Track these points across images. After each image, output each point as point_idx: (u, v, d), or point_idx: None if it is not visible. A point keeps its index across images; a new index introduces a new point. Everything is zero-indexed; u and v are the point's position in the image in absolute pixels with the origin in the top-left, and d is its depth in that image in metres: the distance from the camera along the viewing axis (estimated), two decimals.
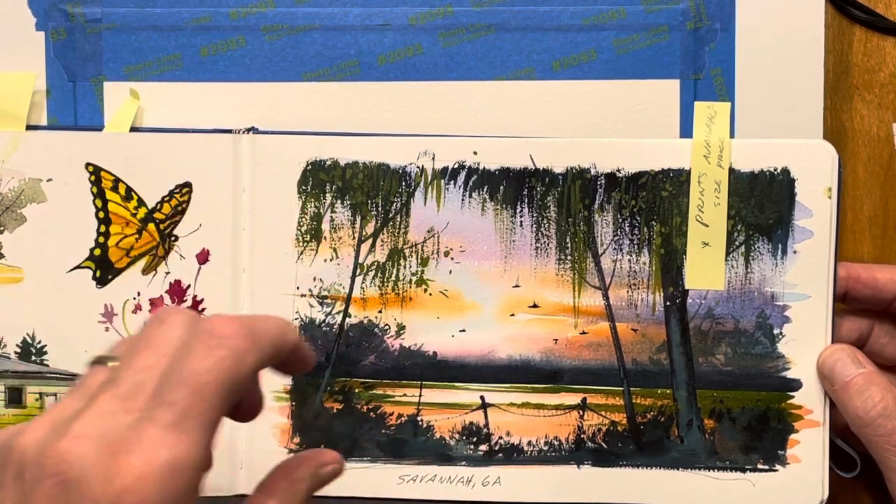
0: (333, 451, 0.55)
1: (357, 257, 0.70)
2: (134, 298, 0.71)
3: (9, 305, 0.70)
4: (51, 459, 0.45)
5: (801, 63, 0.72)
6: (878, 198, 0.75)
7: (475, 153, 0.69)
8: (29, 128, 0.71)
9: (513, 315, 0.70)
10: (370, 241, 0.70)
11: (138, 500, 0.44)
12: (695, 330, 0.69)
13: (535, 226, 0.69)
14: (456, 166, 0.69)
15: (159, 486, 0.45)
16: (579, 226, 0.69)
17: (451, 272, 0.70)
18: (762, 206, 0.68)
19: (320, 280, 0.70)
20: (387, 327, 0.70)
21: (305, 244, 0.70)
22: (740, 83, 0.72)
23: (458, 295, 0.70)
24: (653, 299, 0.69)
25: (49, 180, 0.70)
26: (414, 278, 0.70)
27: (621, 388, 0.70)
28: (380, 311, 0.70)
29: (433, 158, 0.69)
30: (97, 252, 0.70)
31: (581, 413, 0.70)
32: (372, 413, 0.70)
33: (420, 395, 0.70)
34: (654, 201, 0.69)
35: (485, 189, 0.69)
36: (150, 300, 0.70)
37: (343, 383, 0.70)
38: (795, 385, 0.69)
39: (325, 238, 0.70)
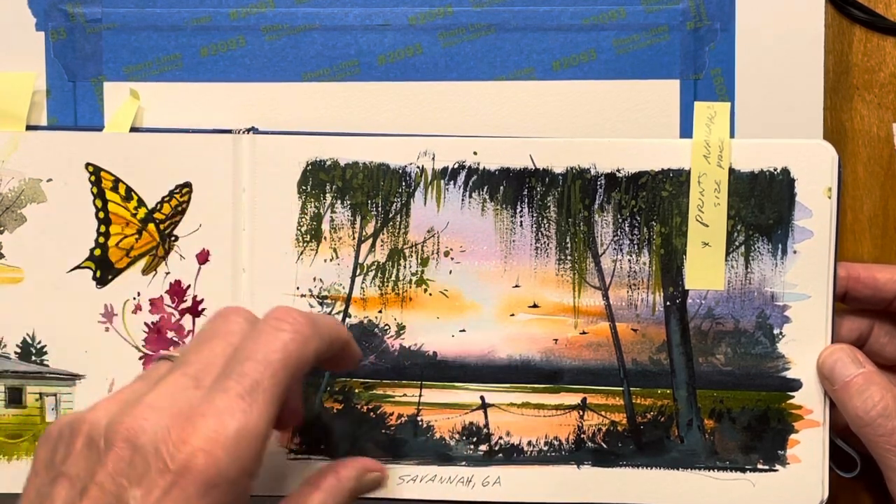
0: (379, 462, 0.59)
1: (357, 257, 0.70)
2: (134, 298, 0.71)
3: (9, 305, 0.70)
4: (123, 426, 0.47)
5: (801, 63, 0.72)
6: (878, 198, 0.75)
7: (475, 153, 0.69)
8: (29, 128, 0.71)
9: (513, 315, 0.70)
10: (370, 241, 0.70)
11: (209, 462, 0.46)
12: (695, 330, 0.69)
13: (535, 226, 0.69)
14: (456, 166, 0.69)
15: (230, 450, 0.47)
16: (579, 226, 0.69)
17: (451, 272, 0.70)
18: (762, 206, 0.68)
19: (320, 280, 0.70)
20: (387, 327, 0.70)
21: (305, 244, 0.70)
22: (740, 83, 0.72)
23: (458, 295, 0.70)
24: (653, 299, 0.69)
25: (49, 180, 0.70)
26: (414, 278, 0.70)
27: (621, 388, 0.70)
28: (380, 311, 0.70)
29: (433, 158, 0.69)
30: (97, 252, 0.70)
31: (581, 413, 0.70)
32: (372, 413, 0.70)
33: (420, 396, 0.70)
34: (654, 201, 0.69)
35: (485, 189, 0.69)
36: (150, 300, 0.71)
37: (343, 383, 0.70)
38: (795, 385, 0.69)
39: (325, 238, 0.70)
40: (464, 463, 0.70)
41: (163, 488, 0.46)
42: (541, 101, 0.73)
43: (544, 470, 0.70)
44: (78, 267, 0.70)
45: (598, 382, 0.70)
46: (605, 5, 0.72)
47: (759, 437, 0.69)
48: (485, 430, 0.70)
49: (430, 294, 0.70)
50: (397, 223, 0.70)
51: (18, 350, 0.70)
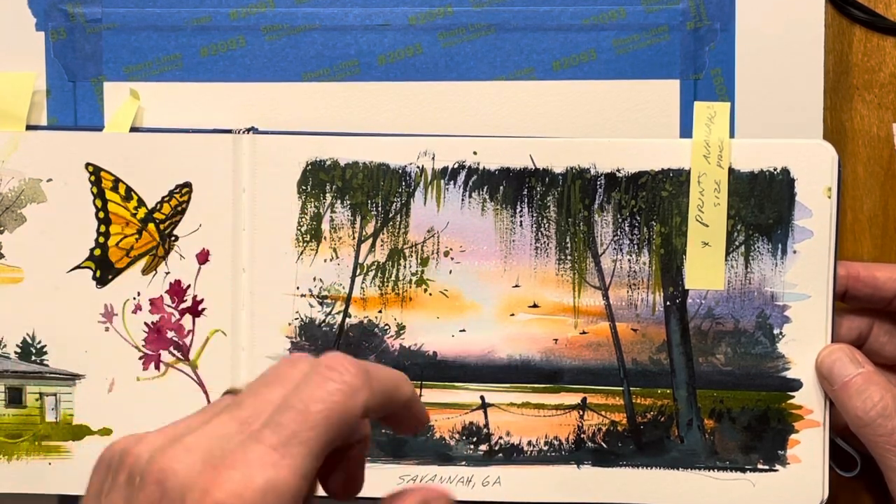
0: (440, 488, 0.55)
1: (357, 257, 0.70)
2: (134, 298, 0.71)
3: (9, 305, 0.70)
4: (157, 465, 0.46)
5: (801, 63, 0.72)
6: (878, 198, 0.75)
7: (475, 153, 0.69)
8: (29, 128, 0.71)
9: (513, 315, 0.70)
10: (370, 241, 0.70)
11: None
12: (695, 330, 0.69)
13: (535, 226, 0.69)
14: (456, 166, 0.69)
15: None
16: (579, 226, 0.69)
17: (451, 272, 0.70)
18: (762, 206, 0.68)
19: (320, 280, 0.70)
20: (387, 327, 0.70)
21: (305, 244, 0.70)
22: (740, 83, 0.72)
23: (458, 295, 0.70)
24: (653, 299, 0.69)
25: (49, 180, 0.70)
26: (414, 278, 0.70)
27: (621, 388, 0.70)
28: (380, 311, 0.70)
29: (433, 158, 0.69)
30: (97, 252, 0.70)
31: (581, 413, 0.70)
32: None
33: (420, 395, 0.70)
34: (653, 201, 0.69)
35: (485, 189, 0.69)
36: (150, 300, 0.71)
37: None
38: (795, 385, 0.69)
39: (325, 238, 0.70)
40: (464, 463, 0.70)
41: None
42: (541, 101, 0.73)
43: (544, 470, 0.70)
44: (78, 267, 0.70)
45: (598, 382, 0.70)
46: (605, 5, 0.72)
47: (760, 437, 0.69)
48: (485, 430, 0.70)
49: (430, 294, 0.70)
50: (397, 223, 0.70)
51: (18, 350, 0.71)
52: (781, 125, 0.72)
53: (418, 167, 0.69)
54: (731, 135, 0.71)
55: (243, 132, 0.70)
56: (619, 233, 0.69)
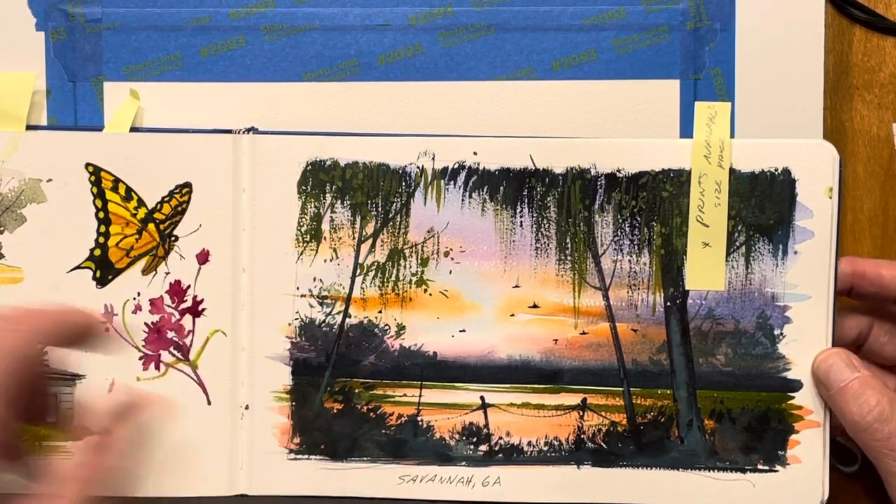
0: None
1: (357, 257, 0.70)
2: (134, 299, 0.71)
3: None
4: None
5: (801, 63, 0.72)
6: (878, 198, 0.75)
7: (475, 153, 0.69)
8: (29, 128, 0.71)
9: (513, 315, 0.70)
10: (370, 241, 0.70)
11: None
12: (695, 330, 0.69)
13: (535, 226, 0.69)
14: (456, 166, 0.69)
15: None
16: (579, 226, 0.69)
17: (451, 272, 0.70)
18: (763, 207, 0.68)
19: (320, 280, 0.70)
20: (387, 327, 0.70)
21: (305, 244, 0.70)
22: (740, 83, 0.72)
23: (458, 295, 0.70)
24: (653, 300, 0.69)
25: (49, 180, 0.70)
26: (414, 278, 0.70)
27: (621, 389, 0.70)
28: (380, 312, 0.70)
29: (433, 159, 0.69)
30: (97, 252, 0.70)
31: (581, 413, 0.70)
32: (372, 413, 0.70)
33: (420, 396, 0.70)
34: (654, 202, 0.69)
35: (485, 189, 0.69)
36: (150, 300, 0.70)
37: (343, 383, 0.70)
38: (796, 385, 0.69)
39: (325, 238, 0.70)
40: (464, 463, 0.70)
41: None
42: (541, 101, 0.73)
43: (544, 470, 0.70)
44: (78, 267, 0.70)
45: (598, 383, 0.70)
46: (605, 5, 0.72)
47: (760, 438, 0.69)
48: (485, 431, 0.70)
49: (430, 294, 0.70)
50: (397, 223, 0.70)
51: None
52: (781, 125, 0.72)
53: (418, 167, 0.69)
54: (732, 135, 0.71)
55: (243, 132, 0.70)
56: (619, 233, 0.69)
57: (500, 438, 0.70)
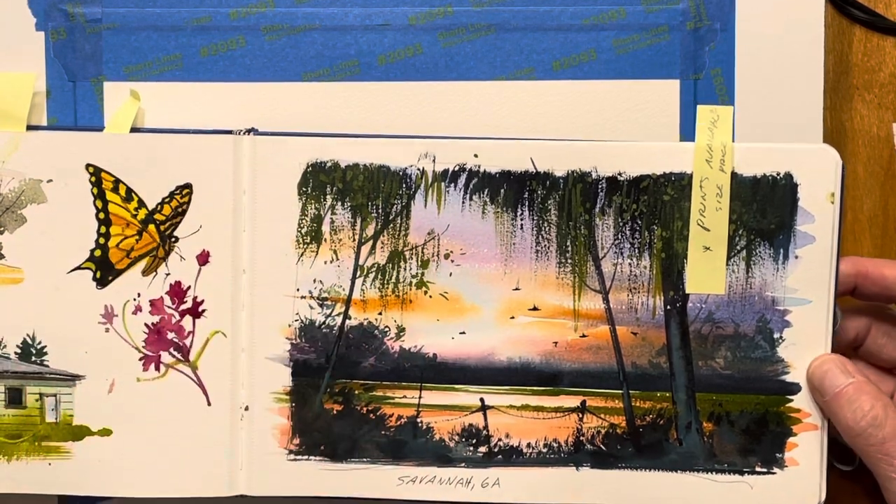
0: None
1: (357, 259, 0.70)
2: (134, 299, 0.71)
3: (9, 306, 0.70)
4: None
5: (801, 63, 0.72)
6: (878, 198, 0.75)
7: (476, 156, 0.69)
8: (29, 128, 0.70)
9: (513, 318, 0.70)
10: (370, 243, 0.70)
11: None
12: (695, 334, 0.69)
13: (535, 229, 0.69)
14: (456, 169, 0.69)
15: None
16: (580, 229, 0.69)
17: (451, 275, 0.70)
18: (764, 211, 0.68)
19: (320, 282, 0.70)
20: (387, 329, 0.70)
21: (306, 246, 0.70)
22: (740, 83, 0.72)
23: (458, 297, 0.70)
24: (653, 303, 0.69)
25: (49, 181, 0.70)
26: (414, 280, 0.70)
27: (621, 391, 0.70)
28: (380, 313, 0.70)
29: (434, 161, 0.69)
30: (97, 253, 0.70)
31: (580, 415, 0.70)
32: (372, 414, 0.70)
33: (420, 397, 0.70)
34: (655, 205, 0.69)
35: (485, 192, 0.69)
36: (150, 301, 0.70)
37: (343, 385, 0.70)
38: (794, 389, 0.69)
39: (325, 240, 0.70)
40: (463, 464, 0.70)
41: None
42: (541, 101, 0.73)
43: (543, 472, 0.70)
44: (78, 268, 0.70)
45: (597, 385, 0.70)
46: (605, 5, 0.72)
47: (758, 440, 0.70)
48: (484, 432, 0.70)
49: (431, 296, 0.70)
50: (398, 225, 0.70)
51: (18, 350, 0.70)
52: (781, 125, 0.72)
53: (419, 169, 0.69)
54: (733, 138, 0.70)
55: (243, 133, 0.70)
56: (619, 236, 0.69)
57: (500, 440, 0.70)
